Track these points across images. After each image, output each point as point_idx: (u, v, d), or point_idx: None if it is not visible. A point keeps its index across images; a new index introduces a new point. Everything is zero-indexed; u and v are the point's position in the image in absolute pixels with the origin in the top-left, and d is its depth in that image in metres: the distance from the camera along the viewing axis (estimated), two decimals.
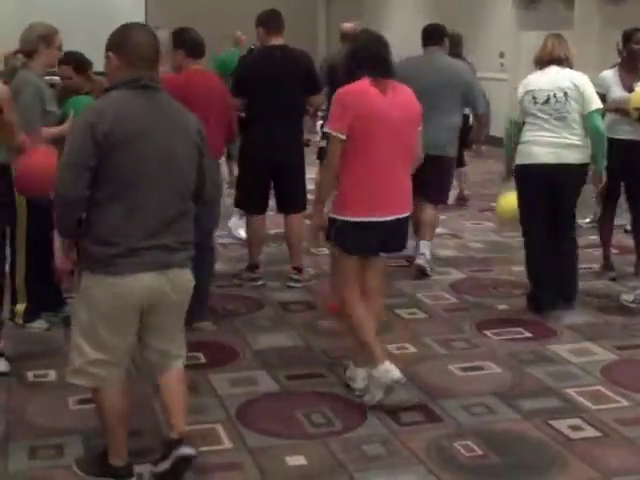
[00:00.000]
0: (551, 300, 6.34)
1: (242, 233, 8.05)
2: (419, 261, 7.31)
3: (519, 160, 6.28)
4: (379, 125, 4.62)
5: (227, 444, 4.36)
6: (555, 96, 6.10)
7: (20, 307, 5.92)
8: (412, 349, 5.69)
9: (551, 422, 4.62)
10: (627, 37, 7.09)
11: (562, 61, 6.20)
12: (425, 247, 7.37)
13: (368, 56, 4.70)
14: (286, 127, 6.72)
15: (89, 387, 3.89)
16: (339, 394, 4.95)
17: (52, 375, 5.15)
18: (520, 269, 7.21)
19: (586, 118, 6.13)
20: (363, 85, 4.66)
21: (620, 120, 6.88)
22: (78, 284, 3.85)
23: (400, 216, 4.80)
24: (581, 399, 4.91)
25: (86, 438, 4.37)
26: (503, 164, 6.77)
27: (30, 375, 5.16)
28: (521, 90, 6.29)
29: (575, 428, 4.56)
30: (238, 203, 7.31)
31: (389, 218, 4.74)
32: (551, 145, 6.12)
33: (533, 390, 5.05)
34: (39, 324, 5.90)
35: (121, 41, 3.70)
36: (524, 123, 6.26)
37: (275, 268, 7.43)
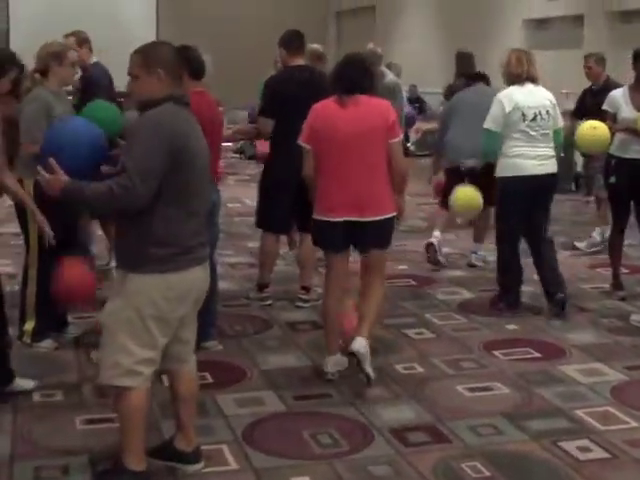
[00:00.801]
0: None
1: None
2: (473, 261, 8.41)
3: (508, 172, 6.70)
4: (331, 137, 5.24)
5: (233, 465, 4.35)
6: (540, 113, 6.64)
7: (29, 325, 5.92)
8: (420, 369, 5.67)
9: (560, 443, 4.59)
10: (636, 56, 7.09)
11: (536, 79, 6.76)
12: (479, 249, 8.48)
13: (336, 76, 5.38)
14: None
15: (126, 388, 3.88)
16: (346, 415, 4.93)
17: (59, 395, 5.15)
18: (530, 289, 7.20)
19: (555, 133, 6.77)
20: (326, 102, 5.37)
21: (630, 140, 6.91)
22: (119, 286, 3.89)
23: (356, 219, 5.26)
24: (590, 420, 4.88)
25: (93, 459, 4.35)
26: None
27: (37, 395, 5.14)
28: (507, 106, 6.63)
29: (584, 449, 4.53)
30: (260, 223, 7.29)
31: (340, 219, 5.27)
32: (539, 158, 6.66)
33: (542, 411, 5.03)
34: (47, 344, 5.89)
35: (168, 58, 3.89)
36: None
37: (283, 287, 7.42)
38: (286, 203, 6.92)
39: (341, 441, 4.60)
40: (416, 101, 17.64)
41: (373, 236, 5.36)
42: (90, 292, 5.51)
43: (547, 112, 6.66)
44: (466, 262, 8.50)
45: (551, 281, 6.85)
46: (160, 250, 3.79)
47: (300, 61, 6.99)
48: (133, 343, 3.82)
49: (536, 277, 6.97)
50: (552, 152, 6.76)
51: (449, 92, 9.69)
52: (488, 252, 8.22)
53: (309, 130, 5.36)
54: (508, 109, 6.61)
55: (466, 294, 7.45)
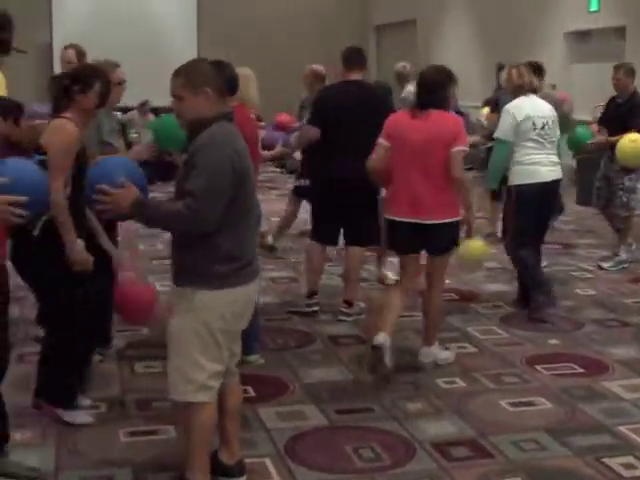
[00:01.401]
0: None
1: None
2: None
3: (525, 180, 6.93)
4: (400, 145, 5.73)
5: (276, 478, 4.36)
6: (547, 123, 6.95)
7: None
8: (462, 383, 5.66)
9: (603, 460, 4.56)
10: None
11: (537, 90, 7.18)
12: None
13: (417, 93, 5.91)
14: (358, 159, 6.79)
15: (199, 403, 3.92)
16: (388, 429, 4.93)
17: (103, 407, 5.20)
18: (571, 303, 7.16)
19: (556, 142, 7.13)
20: (401, 113, 6.04)
21: None
22: (184, 302, 3.90)
23: (415, 221, 5.71)
24: (634, 436, 4.84)
25: (136, 471, 4.40)
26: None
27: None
28: (518, 115, 6.89)
29: (628, 466, 4.50)
30: (311, 234, 7.39)
31: (403, 220, 5.76)
32: (550, 164, 6.98)
33: (585, 426, 5.00)
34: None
35: (213, 76, 3.90)
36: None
37: (326, 301, 7.44)
38: (333, 215, 6.98)
39: (383, 455, 4.60)
40: (457, 114, 17.59)
41: (431, 239, 5.77)
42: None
43: (552, 121, 6.98)
44: (507, 276, 8.47)
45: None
46: (227, 265, 3.82)
47: (354, 76, 7.12)
48: (204, 358, 3.86)
49: (577, 291, 6.94)
50: (558, 159, 7.09)
51: (493, 104, 9.66)
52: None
53: (386, 134, 5.85)
54: (519, 118, 6.86)
55: (508, 308, 7.42)
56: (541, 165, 6.92)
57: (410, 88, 9.01)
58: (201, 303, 3.84)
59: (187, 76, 3.85)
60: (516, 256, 7.20)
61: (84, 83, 4.72)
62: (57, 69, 19.51)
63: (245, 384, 5.13)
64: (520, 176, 6.95)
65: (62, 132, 4.65)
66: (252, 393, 5.36)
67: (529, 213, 6.95)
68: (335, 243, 7.37)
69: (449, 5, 19.21)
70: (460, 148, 5.68)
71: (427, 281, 5.97)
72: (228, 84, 5.83)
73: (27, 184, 3.71)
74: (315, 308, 7.18)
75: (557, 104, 7.93)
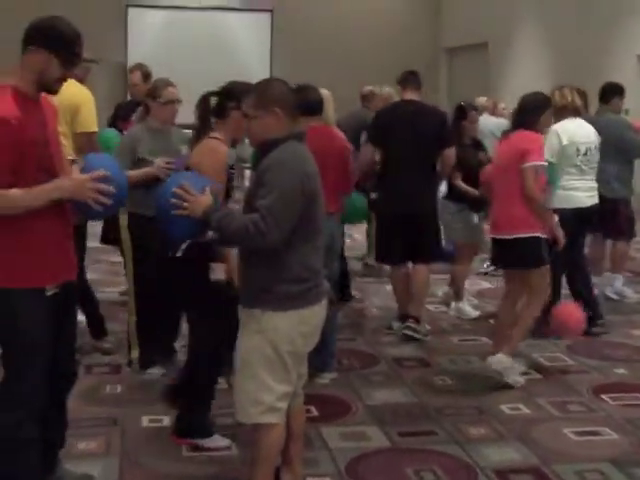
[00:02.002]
0: None
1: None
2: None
3: (564, 204, 6.85)
4: (494, 165, 6.41)
5: None
6: (591, 148, 6.98)
7: (134, 354, 6.07)
8: (526, 410, 5.59)
9: None
10: None
11: (579, 111, 7.12)
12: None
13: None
14: (418, 178, 6.83)
15: (268, 424, 3.92)
16: (450, 453, 4.89)
17: (166, 421, 5.24)
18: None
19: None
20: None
21: None
22: (252, 323, 3.90)
23: (493, 236, 6.22)
24: None
25: None
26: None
27: (145, 420, 5.26)
28: (564, 138, 6.88)
29: None
30: (377, 256, 7.47)
31: (491, 236, 6.27)
32: (589, 190, 7.02)
33: None
34: (155, 370, 6.01)
35: (284, 96, 3.90)
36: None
37: (389, 323, 7.46)
38: (398, 234, 7.01)
39: (445, 479, 4.57)
40: None
41: (505, 254, 6.11)
42: None
43: (595, 146, 7.02)
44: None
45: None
46: (296, 287, 3.83)
47: (411, 96, 7.22)
48: (272, 379, 3.86)
49: None
50: (596, 184, 7.10)
51: None
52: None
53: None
54: (565, 142, 6.87)
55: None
56: (580, 191, 6.95)
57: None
58: (269, 324, 3.84)
59: (258, 96, 3.88)
60: (570, 278, 7.36)
61: (239, 99, 4.60)
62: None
63: (309, 404, 5.14)
64: (562, 201, 6.87)
65: (214, 154, 4.63)
66: (315, 413, 5.36)
67: (571, 237, 6.67)
68: (403, 261, 7.31)
69: (521, 27, 19.10)
70: (530, 164, 5.83)
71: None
72: (314, 105, 5.93)
73: (112, 179, 3.80)
74: (419, 336, 7.07)
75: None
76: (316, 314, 3.96)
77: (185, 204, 3.84)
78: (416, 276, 7.17)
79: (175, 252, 4.64)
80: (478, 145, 8.02)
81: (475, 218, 7.77)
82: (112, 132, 7.44)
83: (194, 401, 4.88)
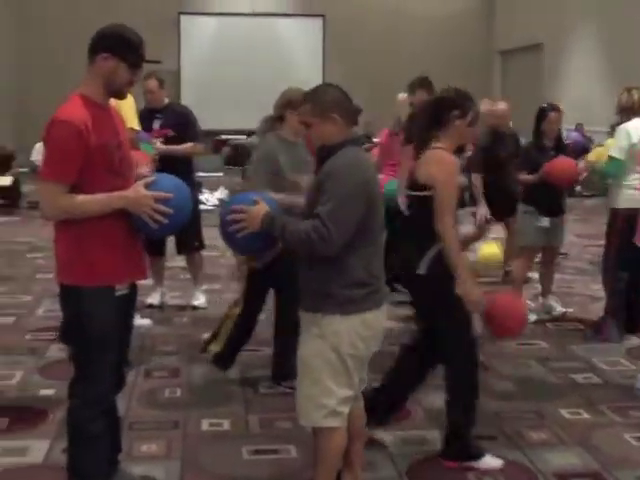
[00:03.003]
0: None
1: None
2: None
3: (632, 204, 6.75)
4: None
5: None
6: None
7: (215, 347, 6.08)
8: (586, 415, 5.54)
9: None
10: None
11: None
12: None
13: None
14: None
15: (331, 428, 3.93)
16: (511, 457, 4.86)
17: (226, 425, 5.28)
18: None
19: None
20: None
21: None
22: (314, 327, 3.91)
23: None
24: None
25: None
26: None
27: (205, 423, 5.30)
28: (634, 136, 6.82)
29: None
30: None
31: None
32: None
33: None
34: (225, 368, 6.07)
35: (340, 102, 3.90)
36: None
37: None
38: None
39: None
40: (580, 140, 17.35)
41: None
42: None
43: None
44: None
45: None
46: (358, 290, 3.83)
47: None
48: (334, 384, 3.87)
49: None
50: None
51: None
52: None
53: None
54: (634, 140, 6.81)
55: (635, 340, 7.23)
56: None
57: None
58: (332, 328, 3.85)
59: (315, 103, 3.89)
60: (612, 275, 7.15)
61: (462, 108, 4.60)
62: (184, 95, 20.08)
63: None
64: (629, 201, 6.86)
65: (447, 165, 4.55)
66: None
67: (631, 237, 6.62)
68: None
69: (576, 29, 18.96)
70: None
71: None
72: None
73: (175, 202, 3.85)
74: None
75: None
76: (377, 318, 3.96)
77: (243, 223, 3.89)
78: None
79: (261, 263, 4.75)
80: (560, 148, 7.74)
81: (545, 222, 7.61)
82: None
83: (463, 421, 4.80)
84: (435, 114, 4.65)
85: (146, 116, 7.68)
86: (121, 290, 3.89)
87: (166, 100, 7.95)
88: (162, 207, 3.78)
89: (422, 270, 4.55)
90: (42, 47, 21.57)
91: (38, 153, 16.31)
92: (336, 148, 3.85)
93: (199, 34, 21.78)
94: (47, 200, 3.76)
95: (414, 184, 4.62)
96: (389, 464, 4.76)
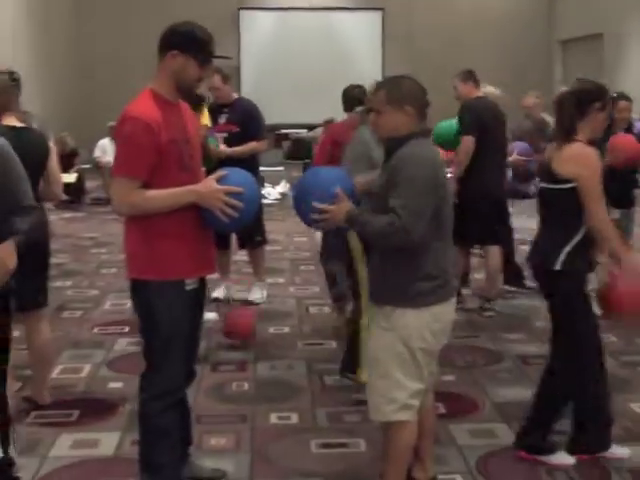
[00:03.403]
0: None
1: None
2: None
3: None
4: None
5: None
6: None
7: (361, 373, 6.01)
8: None
9: None
10: None
11: None
12: None
13: None
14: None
15: (402, 422, 3.92)
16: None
17: (294, 418, 5.29)
18: None
19: None
20: None
21: None
22: (383, 321, 3.90)
23: None
24: None
25: None
26: None
27: (273, 417, 5.32)
28: None
29: None
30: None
31: None
32: None
33: None
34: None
35: (415, 95, 3.88)
36: None
37: (517, 322, 7.40)
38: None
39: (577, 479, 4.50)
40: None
41: None
42: None
43: None
44: None
45: None
46: (428, 283, 3.82)
47: (480, 93, 7.86)
48: (405, 377, 3.86)
49: None
50: None
51: None
52: None
53: None
54: None
55: None
56: None
57: None
58: (401, 322, 3.83)
59: (388, 92, 3.87)
60: None
61: (602, 100, 4.52)
62: (244, 90, 20.16)
63: (436, 401, 5.11)
64: None
65: (590, 159, 4.44)
66: (443, 410, 5.33)
67: None
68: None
69: (637, 17, 18.67)
70: None
71: None
72: (354, 101, 6.49)
73: (245, 196, 3.86)
74: (489, 314, 7.68)
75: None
76: (447, 311, 3.95)
77: (326, 218, 3.90)
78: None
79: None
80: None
81: (615, 213, 7.37)
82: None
83: (590, 414, 4.71)
84: (578, 106, 4.53)
85: (214, 110, 7.76)
86: (191, 284, 3.92)
87: (234, 95, 8.00)
88: (233, 201, 3.80)
89: (557, 266, 4.49)
90: (102, 49, 21.79)
91: (100, 150, 16.48)
92: (405, 139, 3.84)
93: (258, 29, 21.85)
94: (119, 195, 3.80)
95: (551, 177, 4.50)
96: (458, 458, 4.73)
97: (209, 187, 3.83)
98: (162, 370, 3.93)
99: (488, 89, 8.22)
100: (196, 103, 5.88)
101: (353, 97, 7.55)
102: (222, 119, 7.78)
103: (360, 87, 7.35)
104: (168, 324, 3.87)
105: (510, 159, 8.33)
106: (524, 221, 8.80)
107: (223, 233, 6.16)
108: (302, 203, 4.00)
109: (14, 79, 6.52)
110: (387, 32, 21.84)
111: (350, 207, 3.86)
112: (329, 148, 6.98)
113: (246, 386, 5.87)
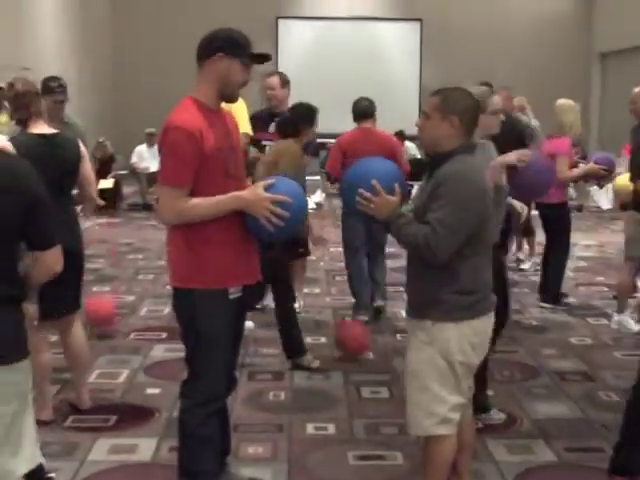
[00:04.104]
0: None
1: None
2: None
3: None
4: None
5: None
6: None
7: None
8: None
9: None
10: None
11: None
12: None
13: None
14: None
15: (441, 436, 3.90)
16: None
17: (331, 429, 5.29)
18: None
19: None
20: None
21: None
22: (422, 335, 3.87)
23: None
24: None
25: None
26: None
27: (310, 427, 5.32)
28: None
29: None
30: None
31: None
32: None
33: None
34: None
35: (467, 108, 3.83)
36: None
37: (554, 335, 7.35)
38: None
39: None
40: None
41: None
42: None
43: None
44: None
45: None
46: (467, 298, 3.80)
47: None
48: (445, 391, 3.85)
49: None
50: None
51: None
52: None
53: None
54: None
55: None
56: None
57: None
58: (441, 335, 3.82)
59: (442, 99, 3.83)
60: None
61: None
62: None
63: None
64: None
65: None
66: (480, 424, 5.30)
67: None
68: None
69: None
70: None
71: None
72: (366, 111, 7.33)
73: (292, 206, 3.84)
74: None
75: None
76: (485, 325, 3.93)
77: (372, 205, 3.83)
78: None
79: None
80: None
81: None
82: None
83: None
84: None
85: (264, 118, 7.75)
86: (234, 293, 3.92)
87: (289, 104, 7.93)
88: (280, 210, 3.79)
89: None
90: (140, 57, 21.94)
91: (137, 156, 16.60)
92: (450, 155, 3.81)
93: (296, 38, 21.91)
94: (164, 204, 3.82)
95: None
96: (496, 474, 4.71)
97: (257, 195, 3.81)
98: (204, 378, 3.94)
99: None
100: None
101: (360, 109, 7.86)
102: (272, 127, 7.74)
103: (369, 100, 7.99)
104: (211, 333, 3.88)
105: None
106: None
107: (267, 242, 6.16)
108: (351, 188, 3.94)
109: (60, 85, 6.60)
110: (425, 43, 21.83)
111: (397, 206, 3.81)
112: (340, 158, 7.77)
113: (283, 396, 5.88)
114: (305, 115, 6.67)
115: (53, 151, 5.08)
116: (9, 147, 4.89)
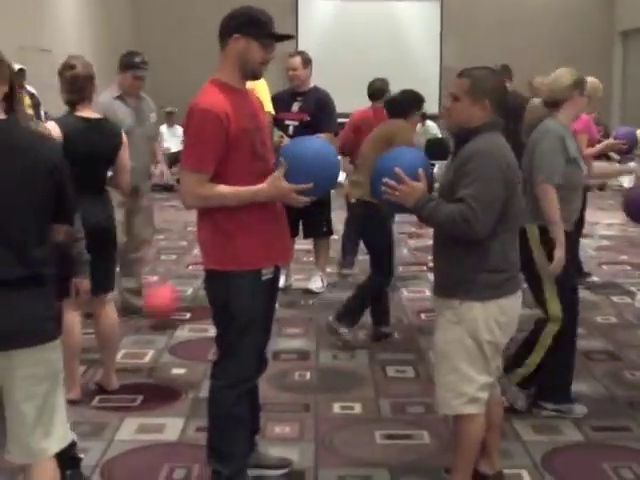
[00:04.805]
0: None
1: None
2: None
3: None
4: None
5: None
6: None
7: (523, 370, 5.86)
8: None
9: None
10: None
11: None
12: None
13: None
14: None
15: (470, 415, 3.91)
16: None
17: (357, 408, 5.30)
18: None
19: None
20: None
21: None
22: (450, 314, 3.88)
23: None
24: None
25: (394, 473, 4.45)
26: None
27: (336, 406, 5.33)
28: None
29: None
30: None
31: None
32: None
33: None
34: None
35: (496, 91, 3.86)
36: None
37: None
38: None
39: None
40: None
41: None
42: None
43: None
44: None
45: None
46: (496, 276, 3.80)
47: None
48: (473, 370, 3.85)
49: None
50: None
51: None
52: None
53: None
54: None
55: None
56: None
57: None
58: (469, 315, 3.82)
59: (472, 82, 3.82)
60: None
61: None
62: None
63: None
64: None
65: None
66: (506, 403, 5.29)
67: None
68: None
69: None
70: None
71: None
72: (377, 92, 7.70)
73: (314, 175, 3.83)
74: None
75: None
76: (513, 304, 3.92)
77: (397, 193, 3.82)
78: None
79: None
80: None
81: None
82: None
83: None
84: None
85: (287, 98, 7.75)
86: (267, 274, 3.92)
87: (312, 84, 7.93)
88: (304, 198, 3.81)
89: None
90: (161, 39, 21.91)
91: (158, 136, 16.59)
92: (476, 132, 3.81)
93: (317, 18, 21.79)
94: (186, 188, 3.80)
95: None
96: (523, 453, 4.71)
97: (278, 188, 3.78)
98: (236, 359, 3.95)
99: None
100: None
101: (376, 89, 8.02)
102: (295, 107, 7.74)
103: (383, 80, 8.31)
104: (245, 313, 3.88)
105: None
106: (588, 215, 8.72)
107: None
108: (378, 178, 3.93)
109: (144, 61, 6.67)
110: (445, 23, 21.67)
111: (423, 191, 3.81)
112: (351, 135, 7.95)
113: (308, 375, 5.89)
114: (414, 100, 6.67)
115: (93, 135, 5.12)
116: (58, 133, 4.99)
